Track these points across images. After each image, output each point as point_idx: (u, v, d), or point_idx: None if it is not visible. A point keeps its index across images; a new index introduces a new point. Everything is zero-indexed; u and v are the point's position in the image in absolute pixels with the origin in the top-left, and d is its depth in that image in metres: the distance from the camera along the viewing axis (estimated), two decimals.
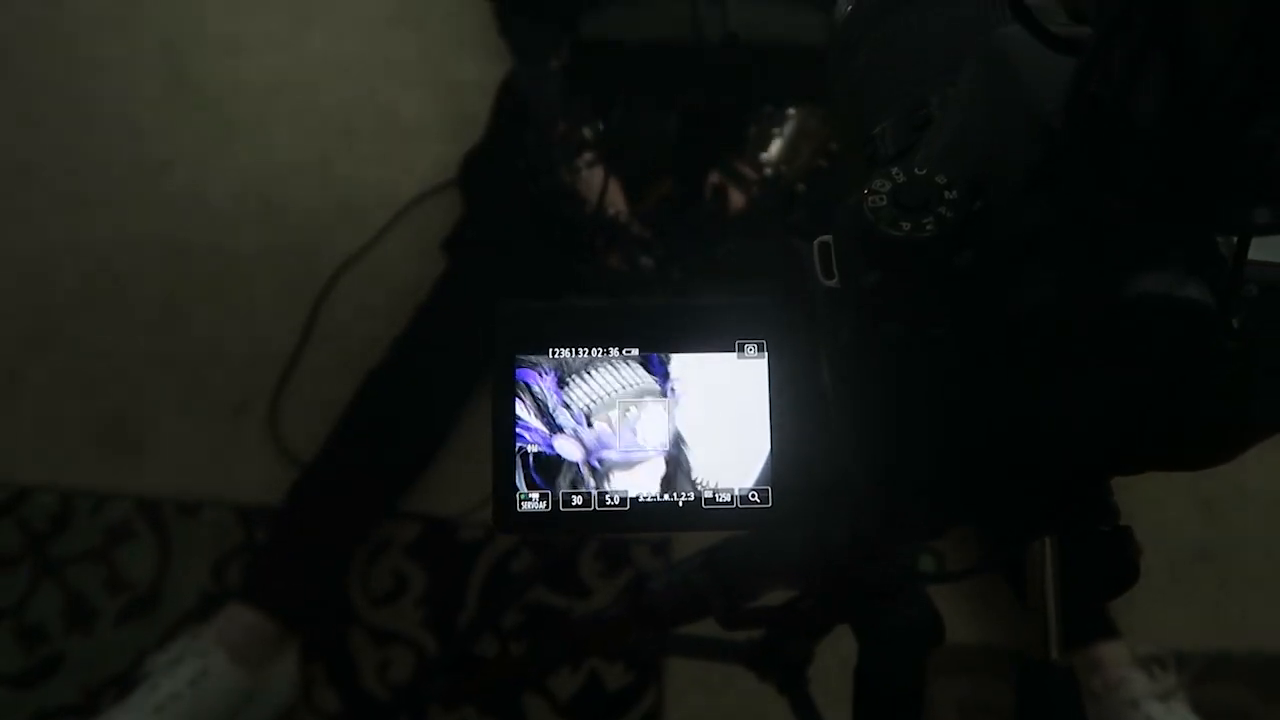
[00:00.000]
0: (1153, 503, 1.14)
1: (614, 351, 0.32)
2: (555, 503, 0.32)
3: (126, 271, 1.28)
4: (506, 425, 0.32)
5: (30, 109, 1.41)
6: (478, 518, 1.12)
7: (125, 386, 1.21)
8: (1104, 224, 0.24)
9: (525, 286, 1.10)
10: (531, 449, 0.32)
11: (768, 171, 1.06)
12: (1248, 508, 1.18)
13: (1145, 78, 0.21)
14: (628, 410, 0.32)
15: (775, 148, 1.08)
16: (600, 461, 0.32)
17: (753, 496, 0.33)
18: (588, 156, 1.08)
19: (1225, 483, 1.20)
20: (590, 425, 0.32)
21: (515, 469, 0.32)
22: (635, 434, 0.32)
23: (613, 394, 0.32)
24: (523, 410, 0.32)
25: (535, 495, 0.32)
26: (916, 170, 0.27)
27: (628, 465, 0.32)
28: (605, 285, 1.06)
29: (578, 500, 0.32)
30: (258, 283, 1.28)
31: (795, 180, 1.07)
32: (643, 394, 0.32)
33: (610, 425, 0.32)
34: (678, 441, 0.32)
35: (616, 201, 1.08)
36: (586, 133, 1.08)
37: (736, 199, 1.06)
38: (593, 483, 0.32)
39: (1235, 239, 0.25)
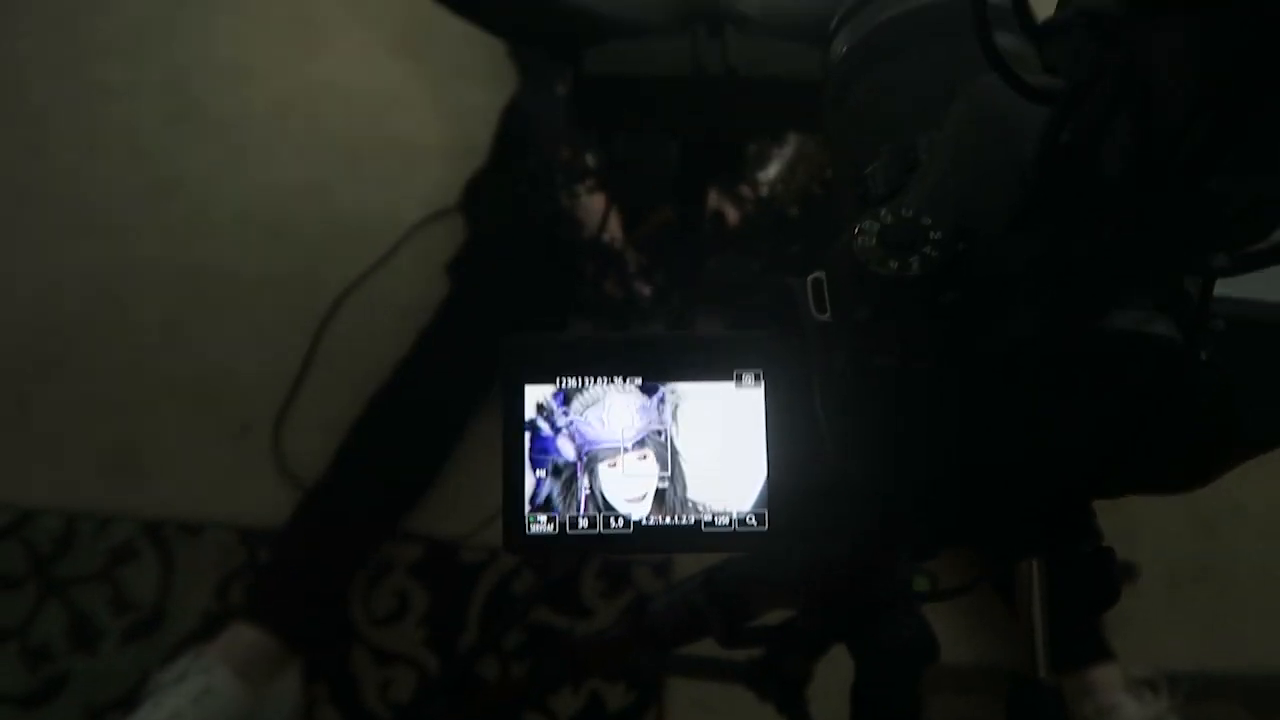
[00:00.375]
0: (1151, 522, 1.15)
1: (618, 380, 0.34)
2: (562, 525, 0.34)
3: (131, 295, 1.30)
4: (516, 452, 0.34)
5: (37, 134, 1.42)
6: (480, 539, 1.13)
7: (129, 409, 1.22)
8: (1077, 265, 0.25)
9: (528, 310, 1.11)
10: (539, 472, 0.34)
11: (764, 191, 1.08)
12: (1246, 527, 1.19)
13: (1112, 133, 0.23)
14: (603, 402, 0.34)
15: (773, 168, 1.09)
16: (587, 455, 0.34)
17: (750, 520, 0.34)
18: (589, 183, 1.10)
19: (1223, 502, 1.21)
20: (577, 421, 0.34)
21: (524, 493, 0.34)
22: (605, 425, 0.34)
23: (598, 395, 0.34)
24: (537, 416, 0.34)
25: (543, 518, 0.34)
26: (904, 212, 0.28)
27: (610, 457, 0.34)
28: (607, 311, 1.08)
29: (584, 523, 0.34)
30: (262, 306, 1.30)
31: (789, 202, 1.09)
32: (618, 390, 0.34)
33: (589, 418, 0.34)
34: (674, 459, 0.34)
35: (613, 228, 1.09)
36: (589, 159, 1.10)
37: (731, 215, 1.08)
38: (586, 481, 0.34)
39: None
